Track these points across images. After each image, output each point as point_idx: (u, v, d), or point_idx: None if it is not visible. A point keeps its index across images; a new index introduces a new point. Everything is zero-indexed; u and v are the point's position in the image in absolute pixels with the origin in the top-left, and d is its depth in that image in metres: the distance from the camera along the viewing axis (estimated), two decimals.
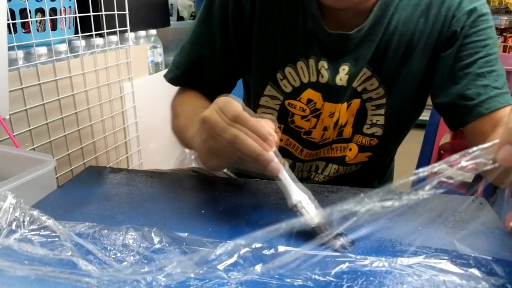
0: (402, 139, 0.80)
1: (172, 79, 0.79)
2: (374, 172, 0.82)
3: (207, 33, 0.73)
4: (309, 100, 0.71)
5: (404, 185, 0.39)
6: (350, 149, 0.74)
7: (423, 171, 0.38)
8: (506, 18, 2.75)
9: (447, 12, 0.65)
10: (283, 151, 0.77)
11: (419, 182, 0.39)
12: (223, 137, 0.47)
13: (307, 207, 0.49)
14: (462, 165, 0.37)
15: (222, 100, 0.49)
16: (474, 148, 0.37)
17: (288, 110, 0.73)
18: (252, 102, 0.77)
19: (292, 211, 0.49)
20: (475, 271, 0.42)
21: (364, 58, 0.67)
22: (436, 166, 0.38)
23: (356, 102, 0.70)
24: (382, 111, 0.71)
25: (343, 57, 0.68)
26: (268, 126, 0.48)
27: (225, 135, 0.47)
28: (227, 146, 0.48)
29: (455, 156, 0.37)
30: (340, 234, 0.47)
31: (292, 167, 0.78)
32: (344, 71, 0.68)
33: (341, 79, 0.68)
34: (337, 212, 0.40)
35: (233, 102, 0.48)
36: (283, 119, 0.74)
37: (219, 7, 0.71)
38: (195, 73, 0.75)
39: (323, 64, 0.68)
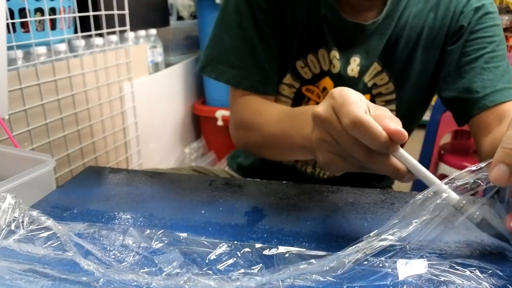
0: (409, 136, 0.80)
1: (232, 81, 0.71)
2: None
3: (243, 35, 0.70)
4: (324, 88, 0.72)
5: (404, 186, 0.39)
6: None
7: (426, 194, 0.39)
8: (507, 18, 2.75)
9: (455, 7, 0.66)
10: None
11: (419, 186, 0.40)
12: (342, 142, 0.41)
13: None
14: (457, 185, 0.38)
15: (338, 94, 0.41)
16: (469, 168, 0.37)
17: (303, 97, 0.73)
18: None
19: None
20: (475, 271, 0.42)
21: (375, 51, 0.68)
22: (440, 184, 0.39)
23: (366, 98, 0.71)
24: (393, 107, 0.71)
25: (354, 49, 0.69)
26: (392, 121, 0.41)
27: (344, 142, 0.41)
28: (347, 150, 0.42)
29: (450, 177, 0.38)
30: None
31: None
32: (355, 62, 0.69)
33: (352, 70, 0.69)
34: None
35: (351, 103, 0.40)
36: (296, 106, 0.74)
37: (245, 3, 0.69)
38: (253, 69, 0.70)
39: (335, 54, 0.69)
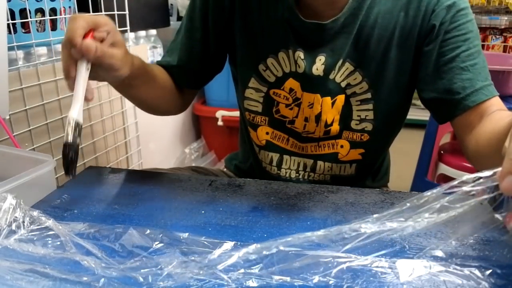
0: (394, 134, 0.80)
1: (161, 63, 0.79)
2: (369, 171, 0.82)
3: (189, 25, 0.76)
4: (291, 89, 0.73)
5: (404, 187, 0.39)
6: (342, 146, 0.75)
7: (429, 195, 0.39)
8: (506, 18, 2.75)
9: (426, 6, 0.66)
10: (270, 145, 0.78)
11: (419, 186, 0.40)
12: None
13: (74, 128, 0.54)
14: (464, 191, 0.38)
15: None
16: (476, 175, 0.37)
17: (272, 100, 0.74)
18: (241, 95, 0.78)
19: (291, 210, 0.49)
20: (475, 271, 0.42)
21: (341, 49, 0.68)
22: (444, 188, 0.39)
23: (340, 98, 0.71)
24: (370, 106, 0.71)
25: (320, 48, 0.69)
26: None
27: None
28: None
29: (456, 182, 0.38)
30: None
31: (280, 162, 0.78)
32: (320, 61, 0.69)
33: (317, 69, 0.70)
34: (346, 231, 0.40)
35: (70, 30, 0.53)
36: (268, 110, 0.75)
37: (201, 0, 0.74)
38: (180, 61, 0.77)
39: (299, 54, 0.69)
